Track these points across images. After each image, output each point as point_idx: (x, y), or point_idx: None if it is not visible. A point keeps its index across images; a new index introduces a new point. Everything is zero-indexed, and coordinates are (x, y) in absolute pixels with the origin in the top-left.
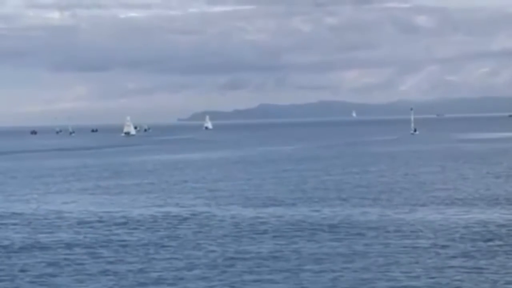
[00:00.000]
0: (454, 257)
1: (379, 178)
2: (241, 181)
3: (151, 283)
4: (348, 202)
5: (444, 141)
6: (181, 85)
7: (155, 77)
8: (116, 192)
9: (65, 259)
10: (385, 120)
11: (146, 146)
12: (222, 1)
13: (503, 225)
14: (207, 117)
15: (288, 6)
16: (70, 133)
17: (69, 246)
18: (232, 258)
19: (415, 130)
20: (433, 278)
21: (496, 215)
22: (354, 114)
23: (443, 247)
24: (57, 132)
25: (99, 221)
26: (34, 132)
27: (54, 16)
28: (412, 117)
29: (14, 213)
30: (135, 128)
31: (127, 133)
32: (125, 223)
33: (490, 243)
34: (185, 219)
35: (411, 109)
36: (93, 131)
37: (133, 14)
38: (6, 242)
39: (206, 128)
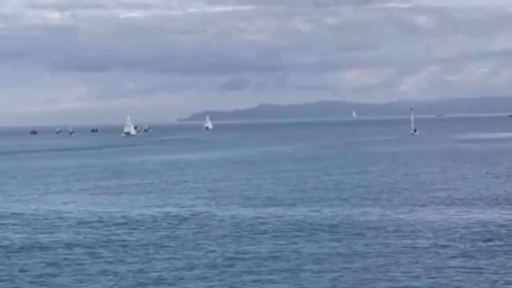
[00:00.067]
0: (454, 257)
1: (379, 178)
2: (241, 181)
3: (151, 283)
4: (348, 202)
5: (444, 141)
6: (181, 85)
7: (155, 77)
8: (116, 192)
9: (65, 259)
10: (385, 120)
11: (146, 146)
12: (222, 1)
13: (503, 225)
14: (207, 117)
15: (288, 6)
16: (70, 133)
17: (69, 246)
18: (232, 258)
19: (415, 130)
20: (433, 278)
21: (496, 215)
22: (354, 114)
23: (443, 247)
24: (57, 132)
25: (99, 221)
26: (34, 132)
27: (54, 16)
28: (412, 117)
29: (14, 213)
30: (135, 128)
31: (127, 133)
32: (125, 223)
33: (490, 243)
34: (185, 219)
35: (411, 109)
36: (93, 131)
37: (133, 14)
38: (6, 242)
39: (207, 128)
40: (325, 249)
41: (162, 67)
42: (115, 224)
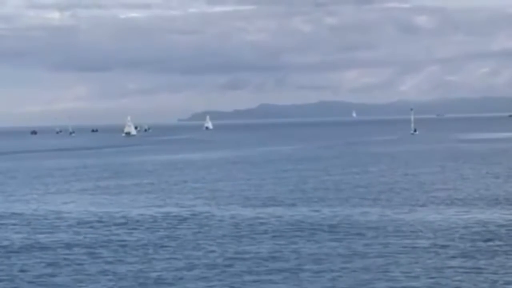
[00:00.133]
0: (453, 257)
1: (379, 178)
2: (241, 181)
3: (151, 283)
4: (348, 202)
5: (444, 141)
6: (181, 85)
7: (155, 77)
8: (116, 192)
9: (64, 259)
10: (385, 120)
11: (146, 146)
12: (222, 1)
13: (502, 225)
14: (208, 117)
15: (288, 6)
16: (70, 133)
17: (68, 246)
18: (231, 258)
19: (415, 130)
20: (432, 278)
21: (495, 215)
22: (354, 114)
23: (443, 247)
24: (57, 132)
25: (99, 221)
26: (34, 132)
27: (54, 16)
28: (412, 117)
29: (13, 213)
30: (136, 128)
31: (128, 133)
32: (124, 223)
33: (490, 243)
34: (185, 219)
35: (411, 109)
36: (93, 131)
37: (133, 14)
38: (5, 242)
39: (207, 128)
40: (325, 249)
41: (162, 67)
42: (115, 224)
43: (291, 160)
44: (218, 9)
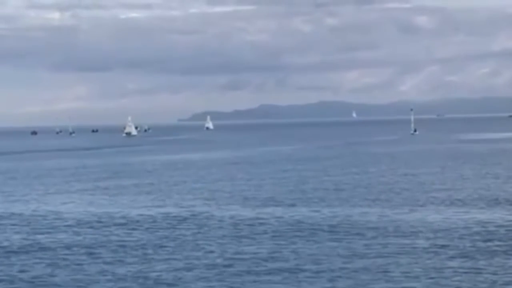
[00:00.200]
0: (453, 257)
1: (379, 178)
2: (241, 181)
3: (150, 283)
4: (348, 203)
5: (444, 142)
6: (181, 85)
7: (155, 77)
8: (116, 193)
9: (64, 259)
10: (385, 121)
11: (146, 147)
12: (222, 1)
13: (502, 226)
14: (208, 117)
15: (288, 7)
16: (70, 133)
17: (68, 246)
18: (231, 259)
19: (415, 131)
20: (432, 278)
21: (495, 215)
22: (354, 115)
23: (442, 247)
24: (57, 133)
25: (99, 222)
26: (34, 133)
27: (55, 16)
28: (412, 118)
29: (13, 214)
30: (136, 128)
31: (129, 134)
32: (124, 224)
33: (489, 244)
34: (185, 219)
35: (411, 109)
36: (93, 131)
37: (133, 14)
38: (5, 243)
39: (207, 128)
40: (325, 249)
41: (162, 67)
42: (115, 225)
43: (291, 160)
44: (218, 9)
